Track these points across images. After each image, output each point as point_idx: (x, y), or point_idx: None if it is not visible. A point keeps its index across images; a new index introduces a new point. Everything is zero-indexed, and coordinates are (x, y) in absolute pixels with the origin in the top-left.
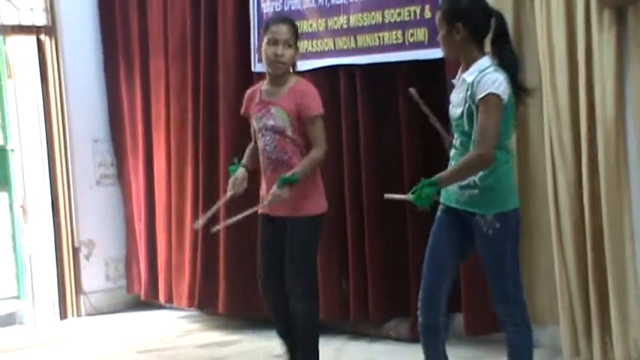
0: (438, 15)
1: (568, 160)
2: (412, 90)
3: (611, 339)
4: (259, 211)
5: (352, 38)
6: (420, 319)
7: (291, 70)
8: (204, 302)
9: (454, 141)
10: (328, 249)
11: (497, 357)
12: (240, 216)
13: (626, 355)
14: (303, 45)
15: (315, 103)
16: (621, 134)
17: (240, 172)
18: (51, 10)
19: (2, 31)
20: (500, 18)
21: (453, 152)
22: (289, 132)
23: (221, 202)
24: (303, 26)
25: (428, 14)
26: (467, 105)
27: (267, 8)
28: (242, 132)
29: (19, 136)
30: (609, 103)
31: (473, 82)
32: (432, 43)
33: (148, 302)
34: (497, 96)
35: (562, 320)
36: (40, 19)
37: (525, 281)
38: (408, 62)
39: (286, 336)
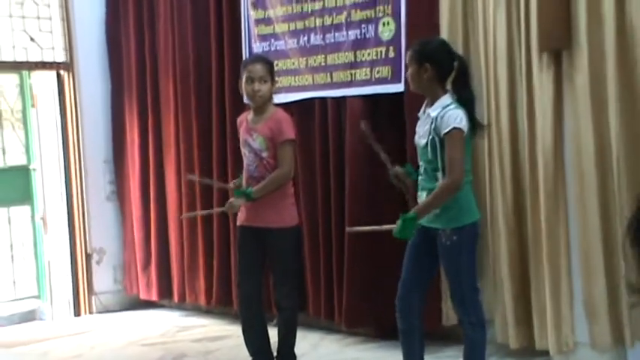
0: (409, 54)
1: (507, 184)
2: (363, 123)
3: (547, 333)
4: (237, 223)
5: (328, 74)
6: (398, 324)
7: (271, 100)
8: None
9: (420, 167)
10: (310, 258)
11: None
12: (207, 212)
13: (559, 347)
14: (287, 80)
15: (286, 129)
16: (559, 160)
17: (239, 201)
18: (69, 49)
19: (28, 67)
20: (462, 61)
21: (420, 177)
22: (265, 154)
23: (213, 211)
24: (287, 64)
25: (392, 54)
26: (431, 137)
27: (258, 48)
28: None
29: (40, 157)
30: (548, 134)
31: (437, 116)
32: (394, 79)
33: (151, 302)
34: (460, 130)
35: (507, 316)
36: (60, 57)
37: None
38: (375, 95)
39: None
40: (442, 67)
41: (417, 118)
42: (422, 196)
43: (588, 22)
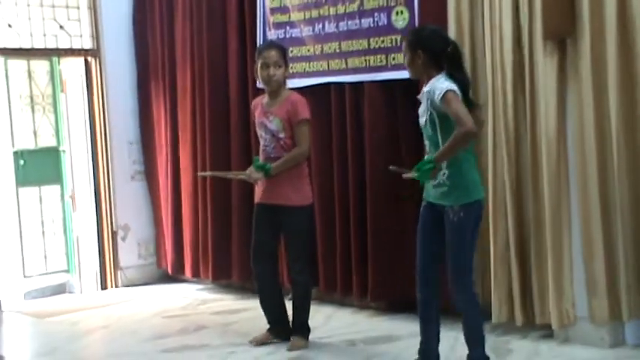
0: (404, 44)
1: (512, 163)
2: (392, 168)
3: (547, 309)
4: (255, 200)
5: (343, 61)
6: (417, 295)
7: (285, 84)
8: (218, 275)
9: (426, 147)
10: (323, 233)
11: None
12: (228, 174)
13: (560, 321)
14: (302, 66)
15: (301, 110)
16: (562, 141)
17: (258, 175)
18: (96, 36)
19: (57, 54)
20: (455, 46)
21: (426, 157)
22: (282, 135)
23: (231, 174)
24: (302, 51)
25: None
26: (429, 112)
27: (272, 36)
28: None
29: (69, 139)
30: (552, 116)
31: (429, 90)
32: None
33: (173, 276)
34: (451, 91)
35: (513, 293)
36: (87, 44)
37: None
38: (390, 80)
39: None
40: (435, 52)
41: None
42: None
43: (591, 10)
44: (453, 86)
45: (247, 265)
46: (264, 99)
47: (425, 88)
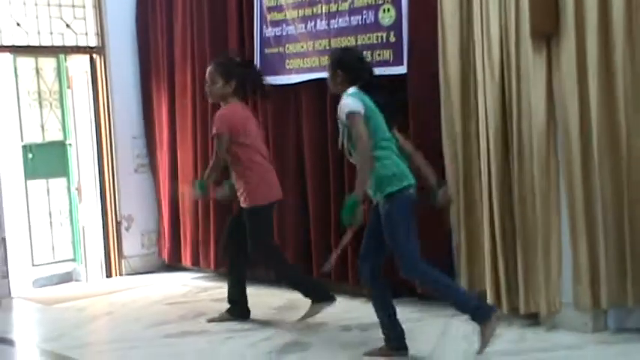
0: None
1: (500, 156)
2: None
3: (539, 296)
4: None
5: None
6: (363, 283)
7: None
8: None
9: None
10: (320, 224)
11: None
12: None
13: (548, 308)
14: (297, 62)
15: (216, 126)
16: (552, 135)
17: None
18: (101, 34)
19: (64, 51)
20: (370, 70)
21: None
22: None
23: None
24: (297, 47)
25: (392, 39)
26: (342, 127)
27: (269, 33)
28: None
29: (75, 134)
30: (541, 109)
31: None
32: (396, 61)
33: (174, 265)
34: (353, 113)
35: (500, 283)
36: (93, 42)
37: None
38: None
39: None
40: (351, 72)
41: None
42: None
43: (575, 9)
44: (355, 105)
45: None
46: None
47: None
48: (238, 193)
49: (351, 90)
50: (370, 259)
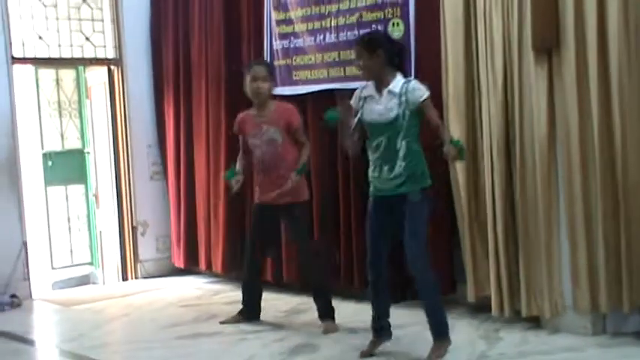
0: (358, 48)
1: (502, 164)
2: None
3: (542, 300)
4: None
5: (342, 69)
6: (370, 279)
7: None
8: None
9: (377, 144)
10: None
11: None
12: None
13: (551, 311)
14: (305, 74)
15: (296, 118)
16: (552, 145)
17: (237, 178)
18: (119, 46)
19: (83, 63)
20: (403, 48)
21: (378, 153)
22: (280, 141)
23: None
24: (304, 59)
25: None
26: (402, 108)
27: (278, 46)
28: None
29: (94, 142)
30: (543, 121)
31: (404, 90)
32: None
33: (188, 269)
34: (429, 98)
35: (502, 288)
36: (110, 54)
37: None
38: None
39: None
40: (390, 52)
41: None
42: (384, 170)
43: (575, 24)
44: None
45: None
46: (250, 112)
47: (391, 88)
48: (279, 190)
49: (401, 76)
50: (382, 264)
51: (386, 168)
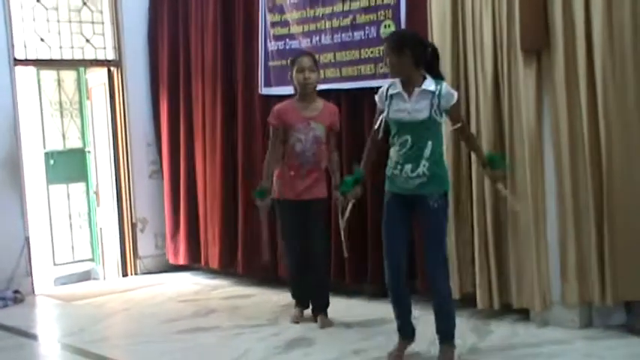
0: (389, 46)
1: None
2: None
3: (531, 293)
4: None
5: (338, 70)
6: (389, 280)
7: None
8: (227, 265)
9: (404, 142)
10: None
11: None
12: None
13: (540, 305)
14: None
15: (337, 121)
16: (539, 138)
17: (266, 201)
18: (118, 48)
19: (83, 64)
20: (434, 48)
21: (403, 151)
22: (324, 140)
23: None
24: None
25: None
26: (433, 109)
27: (272, 47)
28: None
29: (94, 141)
30: (532, 120)
31: (439, 92)
32: None
33: (186, 265)
34: (458, 100)
35: (492, 281)
36: (110, 55)
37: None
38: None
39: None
40: (419, 52)
41: (388, 95)
42: (406, 168)
43: (563, 25)
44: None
45: (252, 255)
46: (293, 104)
47: (425, 87)
48: (310, 184)
49: (439, 81)
50: (403, 259)
51: (409, 167)
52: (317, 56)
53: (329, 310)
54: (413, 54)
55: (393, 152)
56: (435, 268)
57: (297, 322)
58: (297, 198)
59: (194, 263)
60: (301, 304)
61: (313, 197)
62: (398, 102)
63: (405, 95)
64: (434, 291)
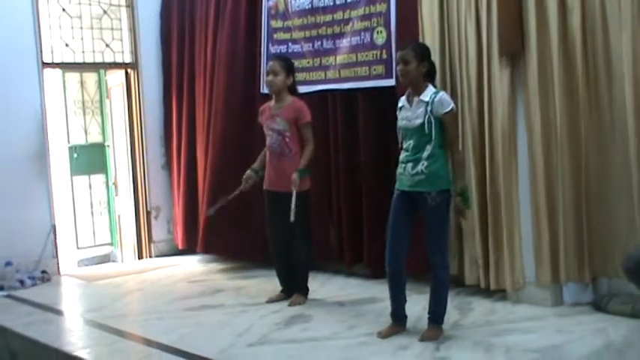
0: (410, 53)
1: (476, 155)
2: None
3: (504, 274)
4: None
5: (337, 71)
6: (387, 267)
7: (286, 90)
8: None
9: (405, 145)
10: (321, 213)
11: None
12: (230, 196)
13: (513, 285)
14: (303, 75)
15: (305, 114)
16: (513, 137)
17: (247, 173)
18: (135, 52)
19: (104, 67)
20: (433, 64)
21: (406, 153)
22: (287, 133)
23: (230, 197)
24: (303, 63)
25: (384, 56)
26: (427, 116)
27: (274, 50)
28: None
29: (113, 136)
30: (506, 118)
31: (432, 100)
32: (387, 75)
33: (195, 249)
34: (454, 111)
35: (478, 262)
36: (128, 59)
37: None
38: (371, 88)
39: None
40: (431, 66)
41: (399, 108)
42: (408, 167)
43: (537, 31)
44: (453, 104)
45: (256, 244)
46: (270, 104)
47: (422, 97)
48: (279, 175)
49: (432, 87)
50: (403, 248)
51: (410, 165)
52: (319, 59)
53: (324, 290)
54: (429, 67)
55: (401, 155)
56: (434, 257)
57: (269, 302)
58: (270, 188)
59: (194, 247)
60: (281, 288)
61: (281, 190)
62: (402, 111)
63: (408, 105)
64: (432, 276)
